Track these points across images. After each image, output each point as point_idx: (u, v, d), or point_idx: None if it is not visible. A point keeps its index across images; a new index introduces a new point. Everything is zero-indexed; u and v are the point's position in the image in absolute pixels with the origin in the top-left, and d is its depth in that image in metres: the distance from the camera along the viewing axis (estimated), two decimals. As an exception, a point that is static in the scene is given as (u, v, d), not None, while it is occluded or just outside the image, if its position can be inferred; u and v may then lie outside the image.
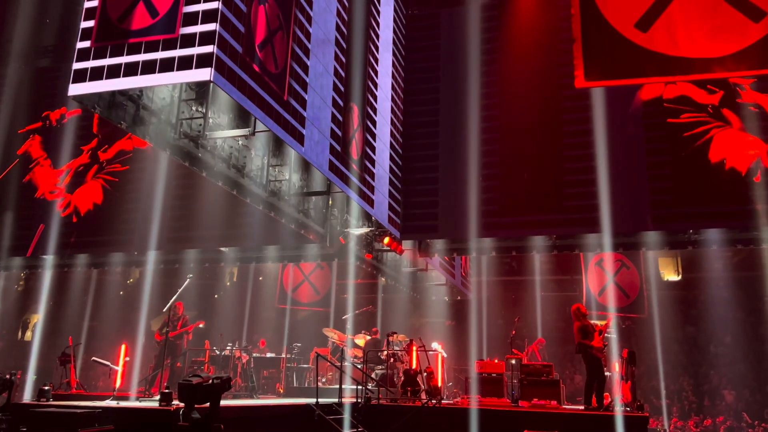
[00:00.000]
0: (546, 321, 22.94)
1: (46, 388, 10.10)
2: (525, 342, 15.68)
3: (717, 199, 13.17)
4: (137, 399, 10.76)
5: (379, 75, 14.69)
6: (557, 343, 21.99)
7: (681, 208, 13.36)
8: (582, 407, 10.94)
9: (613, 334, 13.88)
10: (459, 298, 24.02)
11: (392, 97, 15.56)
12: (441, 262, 19.54)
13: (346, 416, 10.41)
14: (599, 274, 20.78)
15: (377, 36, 14.73)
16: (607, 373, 11.31)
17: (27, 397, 16.26)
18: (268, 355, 15.35)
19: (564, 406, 11.45)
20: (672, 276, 25.74)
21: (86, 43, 8.93)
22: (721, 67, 13.06)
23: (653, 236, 14.30)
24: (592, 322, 11.37)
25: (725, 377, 21.51)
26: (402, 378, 12.37)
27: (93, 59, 8.85)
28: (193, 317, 23.76)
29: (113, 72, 8.71)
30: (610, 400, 10.90)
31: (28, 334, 27.42)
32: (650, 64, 13.70)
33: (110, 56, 8.78)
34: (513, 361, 12.41)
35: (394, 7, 16.11)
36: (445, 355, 14.57)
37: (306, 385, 14.71)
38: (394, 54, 15.84)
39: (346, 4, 13.27)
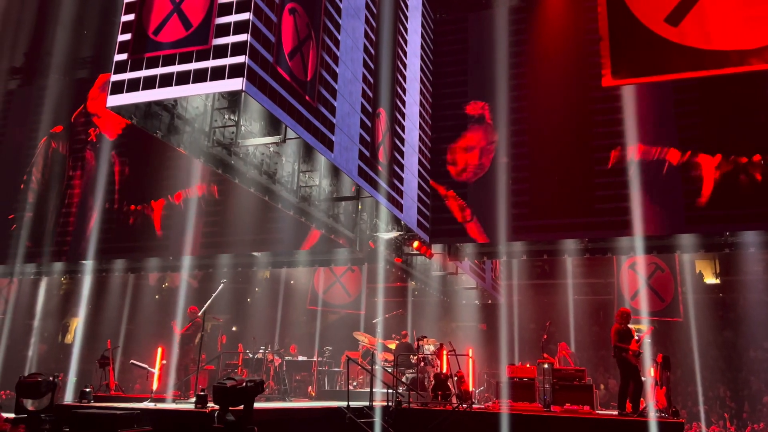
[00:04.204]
0: (579, 325, 22.62)
1: (88, 390, 10.44)
2: (558, 346, 15.54)
3: (754, 200, 12.86)
4: (174, 401, 11.01)
5: (407, 80, 14.76)
6: (591, 348, 21.68)
7: (717, 209, 13.08)
8: (616, 413, 10.81)
9: (648, 340, 13.66)
10: (490, 301, 23.87)
11: (420, 101, 15.62)
12: (471, 266, 19.47)
13: (377, 420, 10.48)
14: (632, 278, 20.40)
15: (405, 41, 14.81)
16: (642, 378, 11.15)
17: (68, 398, 16.73)
18: (300, 358, 15.52)
19: (597, 412, 11.31)
20: (710, 279, 25.13)
21: (123, 56, 9.24)
22: (758, 58, 12.68)
23: (688, 239, 14.03)
24: (631, 326, 11.23)
25: (765, 383, 20.89)
26: (432, 382, 12.37)
27: (130, 71, 9.15)
28: (226, 321, 24.21)
29: (149, 83, 8.99)
30: (644, 405, 10.73)
31: (69, 337, 28.22)
32: (682, 59, 13.41)
33: (146, 68, 9.07)
34: (545, 366, 12.31)
35: (422, 12, 16.17)
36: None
37: (337, 388, 14.82)
38: (422, 59, 15.90)
39: (375, 11, 13.39)
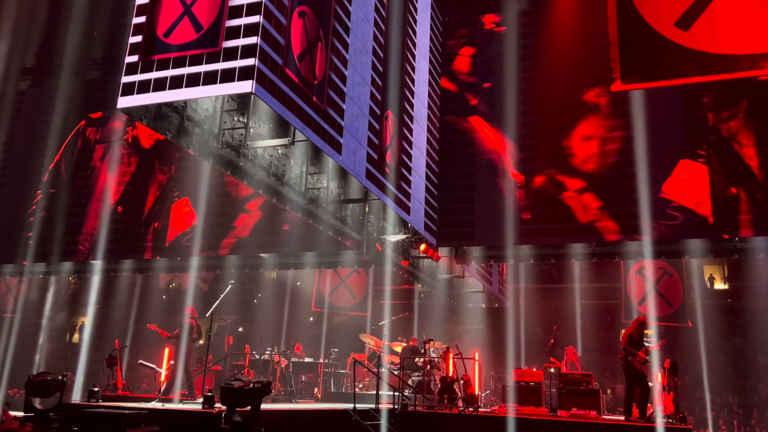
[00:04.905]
0: (586, 329, 22.54)
1: (96, 389, 10.51)
2: (565, 350, 15.50)
3: (763, 205, 12.77)
4: (181, 401, 11.06)
5: (415, 83, 14.78)
6: (598, 352, 21.59)
7: (725, 214, 13.00)
8: (623, 418, 10.77)
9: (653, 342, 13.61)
10: (496, 305, 23.83)
11: (428, 104, 15.63)
12: (478, 269, 19.44)
13: (383, 422, 10.49)
14: (640, 282, 20.30)
15: (414, 44, 14.83)
16: (650, 384, 11.12)
17: (76, 397, 16.83)
18: (306, 359, 15.55)
19: (604, 417, 11.27)
20: (719, 284, 24.99)
21: (134, 58, 9.28)
22: (768, 63, 12.63)
23: (696, 244, 13.94)
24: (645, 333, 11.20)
25: (775, 390, 20.76)
26: (438, 385, 12.37)
27: (140, 73, 9.20)
28: (233, 321, 24.29)
29: (159, 85, 9.03)
30: (651, 411, 10.69)
31: (76, 336, 28.38)
32: (691, 63, 13.35)
33: (156, 70, 9.11)
34: (552, 370, 12.28)
35: (431, 14, 16.19)
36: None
37: (343, 390, 14.84)
38: (430, 61, 15.91)
39: (384, 13, 13.42)
